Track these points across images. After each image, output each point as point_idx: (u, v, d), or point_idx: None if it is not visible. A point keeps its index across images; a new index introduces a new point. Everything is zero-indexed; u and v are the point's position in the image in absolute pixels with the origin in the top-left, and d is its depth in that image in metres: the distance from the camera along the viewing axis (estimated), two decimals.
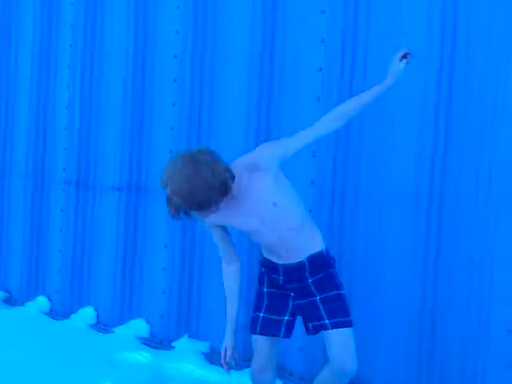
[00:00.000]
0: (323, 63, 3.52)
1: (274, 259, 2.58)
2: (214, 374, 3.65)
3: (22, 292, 5.16)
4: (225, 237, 2.62)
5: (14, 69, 5.24)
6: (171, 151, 4.09)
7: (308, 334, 2.58)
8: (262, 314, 2.62)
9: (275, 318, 2.60)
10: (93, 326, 4.52)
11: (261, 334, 2.61)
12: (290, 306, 2.60)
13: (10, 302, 5.13)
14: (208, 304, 4.01)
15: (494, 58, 3.02)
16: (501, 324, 3.00)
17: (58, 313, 4.81)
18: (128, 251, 4.44)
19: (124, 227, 4.45)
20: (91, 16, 4.67)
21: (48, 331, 4.35)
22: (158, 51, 4.28)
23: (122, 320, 4.44)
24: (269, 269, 2.62)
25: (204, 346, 3.97)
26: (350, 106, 2.57)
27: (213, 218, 2.48)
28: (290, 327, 2.61)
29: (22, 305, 5.00)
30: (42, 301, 4.93)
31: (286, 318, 2.60)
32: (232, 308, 2.63)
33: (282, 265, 2.56)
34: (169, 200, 2.34)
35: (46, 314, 4.81)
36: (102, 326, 4.52)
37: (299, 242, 2.53)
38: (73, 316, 4.65)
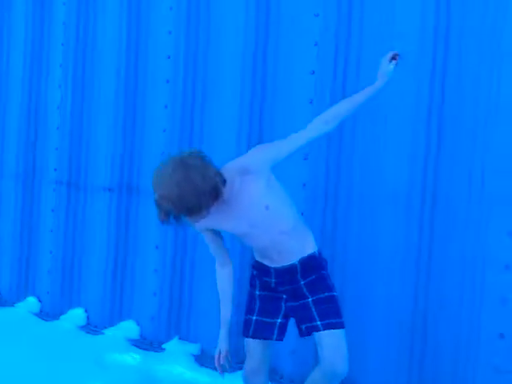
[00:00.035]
0: (316, 66, 3.52)
1: (266, 262, 2.58)
2: (204, 376, 3.65)
3: (12, 292, 5.13)
4: (217, 240, 2.62)
5: (5, 68, 5.22)
6: (163, 153, 4.09)
7: (301, 336, 2.58)
8: (254, 317, 2.61)
9: (268, 320, 2.60)
10: (83, 327, 4.51)
11: (253, 337, 2.61)
12: (283, 308, 2.60)
13: None
14: (199, 306, 4.00)
15: (486, 58, 3.02)
16: (492, 328, 3.00)
17: (48, 314, 4.79)
18: (119, 252, 4.42)
19: (115, 228, 4.44)
20: (83, 15, 4.65)
21: (37, 332, 4.33)
22: (151, 52, 4.27)
23: (112, 321, 4.42)
24: (261, 271, 2.62)
25: (194, 348, 3.96)
26: (342, 108, 2.58)
27: (204, 223, 2.47)
28: (282, 330, 2.61)
29: (12, 305, 4.97)
30: (31, 301, 4.91)
31: (279, 320, 2.60)
32: (226, 310, 2.63)
33: (274, 268, 2.56)
34: (159, 205, 2.33)
35: (36, 314, 4.79)
36: (92, 327, 4.50)
37: (291, 244, 2.53)
38: (62, 317, 4.63)
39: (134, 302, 4.34)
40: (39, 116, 4.95)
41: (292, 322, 2.62)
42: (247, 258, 3.42)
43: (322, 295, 2.54)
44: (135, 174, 4.33)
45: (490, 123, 3.02)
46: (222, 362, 2.62)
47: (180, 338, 4.07)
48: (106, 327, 4.42)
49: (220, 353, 2.62)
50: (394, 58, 2.61)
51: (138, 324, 4.30)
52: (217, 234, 2.60)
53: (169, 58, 4.16)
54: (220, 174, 2.36)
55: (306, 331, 2.54)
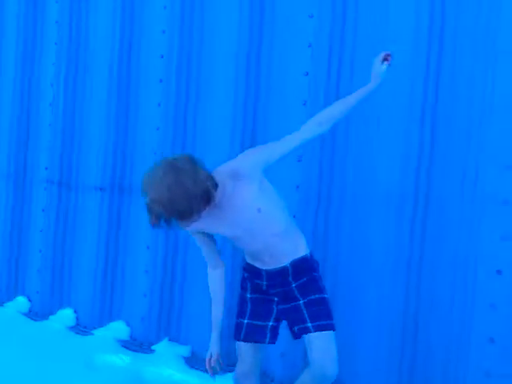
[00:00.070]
0: (310, 67, 3.51)
1: (257, 264, 2.56)
2: (194, 378, 3.63)
3: (2, 292, 5.09)
4: (209, 242, 2.60)
5: None
6: (156, 152, 4.07)
7: (295, 338, 2.57)
8: (245, 321, 2.60)
9: (259, 323, 2.58)
10: (72, 327, 4.47)
11: (244, 340, 2.59)
12: (274, 311, 2.59)
13: None
14: (189, 308, 3.98)
15: (480, 58, 3.01)
16: (482, 332, 3.00)
17: (37, 314, 4.75)
18: (109, 252, 4.40)
19: (106, 228, 4.41)
20: (76, 14, 4.63)
21: (26, 332, 4.30)
22: (144, 51, 4.25)
23: (101, 322, 4.40)
24: (252, 274, 2.60)
25: (184, 350, 3.94)
26: (336, 110, 2.58)
27: (195, 226, 2.45)
28: (274, 333, 2.60)
29: (1, 305, 4.94)
30: (21, 301, 4.88)
31: (271, 323, 2.58)
32: (217, 312, 2.62)
33: (266, 270, 2.55)
34: (149, 209, 2.31)
35: (25, 314, 4.76)
36: (82, 327, 4.48)
37: (283, 247, 2.52)
38: (52, 317, 4.59)
39: (124, 303, 4.32)
40: (31, 115, 4.92)
41: (283, 324, 2.61)
42: (238, 261, 3.39)
43: (313, 297, 2.53)
44: (127, 173, 4.30)
45: (484, 124, 3.01)
46: (212, 364, 2.61)
47: (170, 340, 4.05)
48: (95, 328, 4.39)
49: (211, 356, 2.61)
50: (386, 58, 2.62)
51: (128, 325, 4.28)
52: (209, 236, 2.58)
53: (162, 57, 4.14)
54: (211, 178, 2.34)
55: (299, 333, 2.53)
